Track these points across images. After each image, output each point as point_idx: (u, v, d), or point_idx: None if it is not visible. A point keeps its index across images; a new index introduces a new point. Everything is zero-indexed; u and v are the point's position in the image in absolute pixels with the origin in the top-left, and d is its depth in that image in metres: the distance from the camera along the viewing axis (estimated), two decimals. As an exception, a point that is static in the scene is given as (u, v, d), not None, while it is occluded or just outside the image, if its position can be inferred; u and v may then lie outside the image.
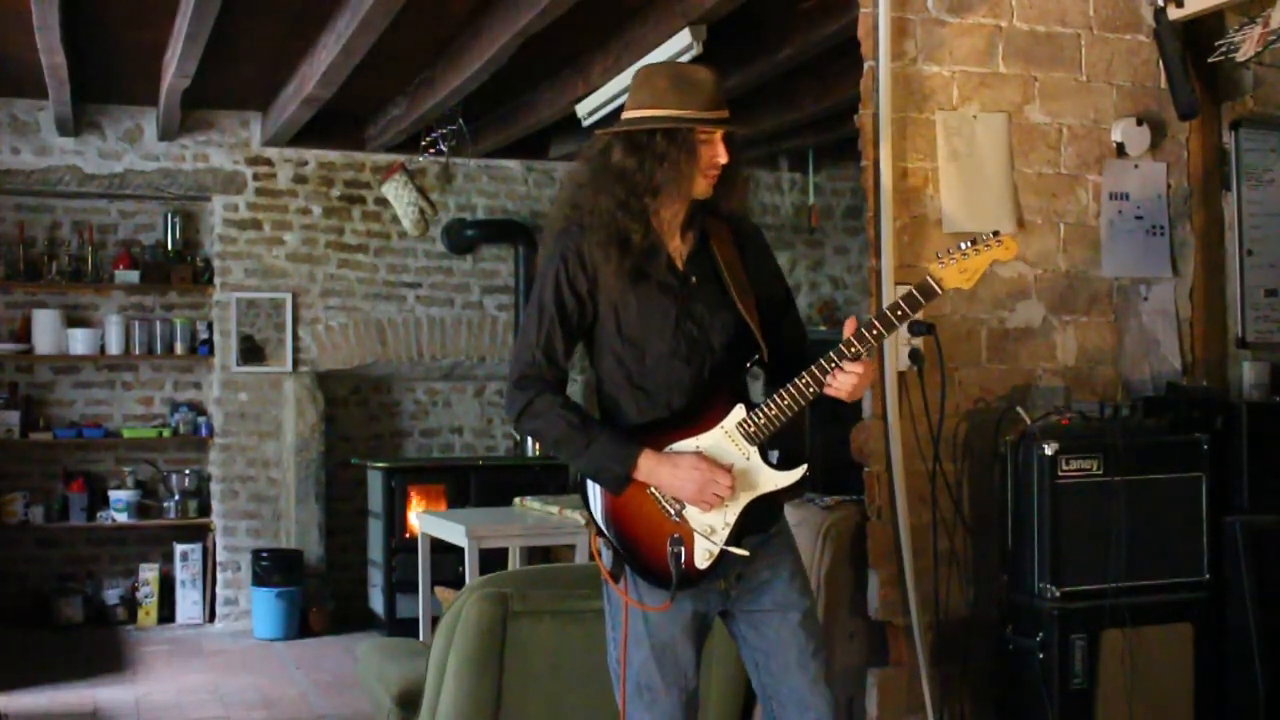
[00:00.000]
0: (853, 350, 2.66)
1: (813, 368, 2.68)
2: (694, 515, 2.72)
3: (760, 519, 2.77)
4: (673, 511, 2.73)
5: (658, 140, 2.69)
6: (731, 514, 2.73)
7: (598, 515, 2.78)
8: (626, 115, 2.77)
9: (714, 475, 2.68)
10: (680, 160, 2.69)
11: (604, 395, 2.85)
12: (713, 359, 2.78)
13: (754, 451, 2.74)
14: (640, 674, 2.77)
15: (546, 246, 2.85)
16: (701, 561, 2.72)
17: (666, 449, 2.73)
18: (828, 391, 2.70)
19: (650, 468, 2.70)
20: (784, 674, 2.77)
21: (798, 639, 2.77)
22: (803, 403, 2.70)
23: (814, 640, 2.80)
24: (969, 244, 2.71)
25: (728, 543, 2.72)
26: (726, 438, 2.73)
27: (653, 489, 2.73)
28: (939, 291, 2.69)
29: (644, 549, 2.74)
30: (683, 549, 2.71)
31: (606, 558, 2.78)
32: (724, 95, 2.76)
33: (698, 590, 2.77)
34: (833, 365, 2.67)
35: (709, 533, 2.72)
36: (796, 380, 2.69)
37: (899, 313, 2.67)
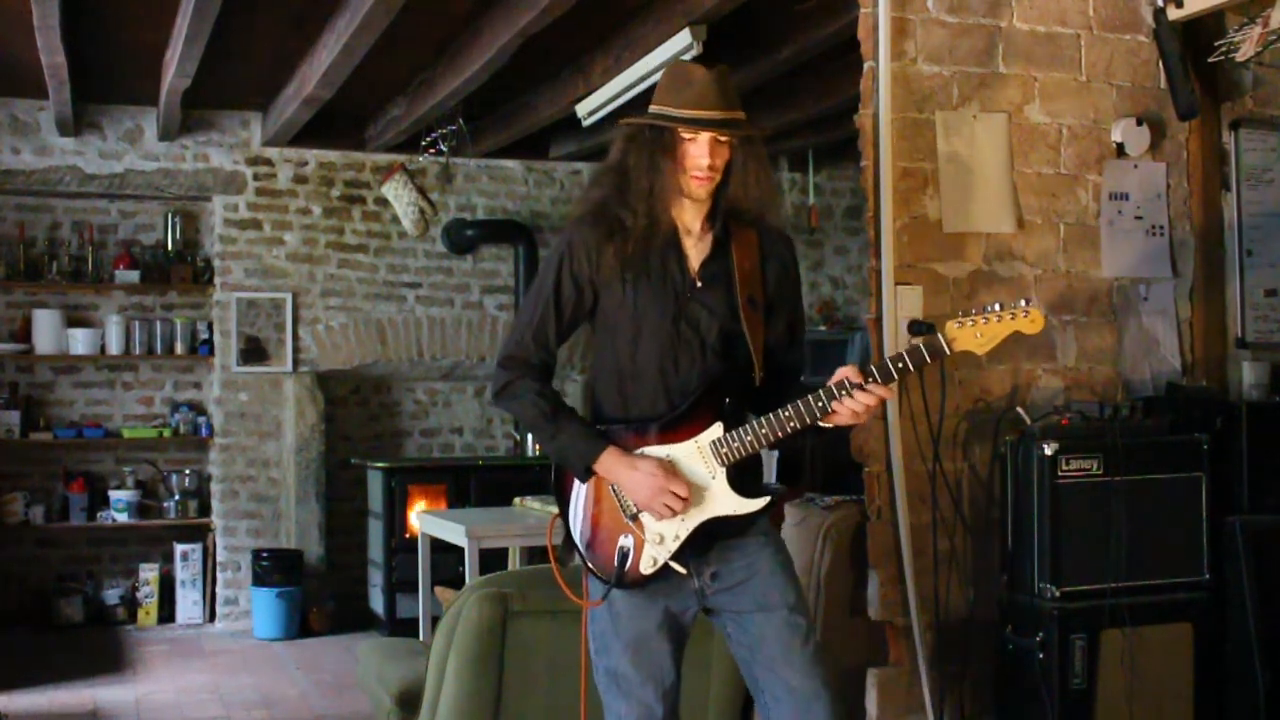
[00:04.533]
0: (843, 394, 2.64)
1: (799, 403, 2.66)
2: (649, 521, 2.73)
3: (727, 530, 2.75)
4: (628, 513, 2.74)
5: (645, 134, 2.73)
6: (684, 529, 2.72)
7: (563, 499, 2.82)
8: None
9: (669, 485, 2.67)
10: (658, 157, 2.70)
11: (595, 390, 2.87)
12: (704, 366, 2.75)
13: (721, 472, 2.71)
14: (617, 665, 2.78)
15: (560, 236, 2.89)
16: (645, 567, 2.73)
17: (638, 451, 2.73)
18: (827, 420, 2.68)
19: (610, 465, 2.71)
20: (772, 667, 2.76)
21: (781, 635, 2.75)
22: (780, 435, 2.67)
23: (799, 633, 2.76)
24: (995, 307, 2.65)
25: (674, 556, 2.72)
26: (697, 453, 2.72)
27: (614, 486, 2.74)
28: (947, 353, 2.65)
29: (596, 542, 2.77)
30: (630, 550, 2.72)
31: (558, 541, 2.83)
32: (725, 97, 2.72)
33: (663, 589, 2.76)
34: (819, 404, 2.65)
35: (658, 541, 2.72)
36: (780, 412, 2.67)
37: (899, 365, 2.64)
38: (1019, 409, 4.03)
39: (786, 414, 2.66)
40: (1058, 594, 3.79)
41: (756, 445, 2.69)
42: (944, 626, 3.99)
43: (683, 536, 2.71)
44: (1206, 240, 4.50)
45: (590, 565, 2.78)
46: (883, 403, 2.69)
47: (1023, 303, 2.66)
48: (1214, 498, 3.99)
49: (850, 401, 2.63)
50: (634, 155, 2.73)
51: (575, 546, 2.80)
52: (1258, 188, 4.58)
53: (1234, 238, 4.55)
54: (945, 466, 4.00)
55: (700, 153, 2.71)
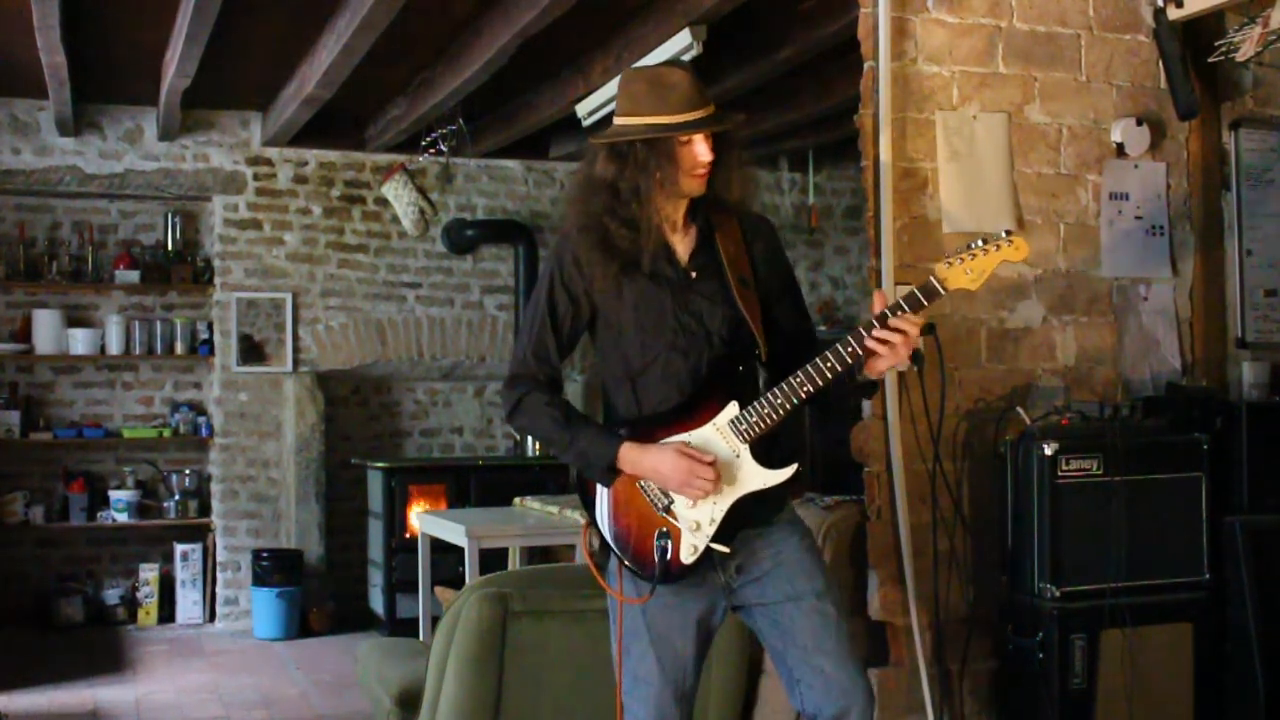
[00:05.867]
0: (849, 350, 2.67)
1: (807, 367, 2.69)
2: (681, 510, 2.74)
3: (757, 513, 2.77)
4: (660, 505, 2.75)
5: (637, 149, 2.73)
6: (719, 510, 2.74)
7: (592, 506, 2.83)
8: (615, 122, 2.81)
9: (697, 464, 2.69)
10: (661, 166, 2.73)
11: (606, 392, 2.89)
12: (710, 353, 2.79)
13: (744, 449, 2.74)
14: (638, 666, 2.79)
15: (550, 250, 2.90)
16: (686, 556, 2.74)
17: (658, 443, 2.74)
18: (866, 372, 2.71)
19: (633, 458, 2.73)
20: (806, 658, 2.77)
21: (811, 622, 2.77)
22: (795, 401, 2.70)
23: (830, 619, 2.78)
24: (979, 243, 2.69)
25: (714, 539, 2.73)
26: (717, 434, 2.74)
27: (642, 482, 2.75)
28: (942, 292, 2.68)
29: (632, 541, 2.77)
30: (669, 542, 2.73)
31: (595, 548, 2.83)
32: (703, 93, 2.75)
33: (695, 584, 2.77)
34: (828, 365, 2.67)
35: (694, 528, 2.73)
36: (790, 379, 2.69)
37: (899, 313, 2.67)
38: (1019, 409, 4.03)
39: (798, 379, 2.69)
40: (1058, 594, 3.79)
41: (775, 416, 2.71)
42: (944, 626, 3.99)
43: (718, 519, 2.73)
44: (1206, 240, 4.50)
45: (630, 566, 2.78)
46: (900, 345, 2.68)
47: (1004, 233, 2.70)
48: (1214, 498, 3.98)
49: (874, 343, 2.65)
50: (630, 170, 2.73)
51: (612, 551, 2.80)
52: (1258, 188, 4.59)
53: (1234, 238, 4.55)
54: (945, 466, 4.00)
55: (701, 152, 2.74)
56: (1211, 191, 4.52)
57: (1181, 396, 4.24)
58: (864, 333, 2.67)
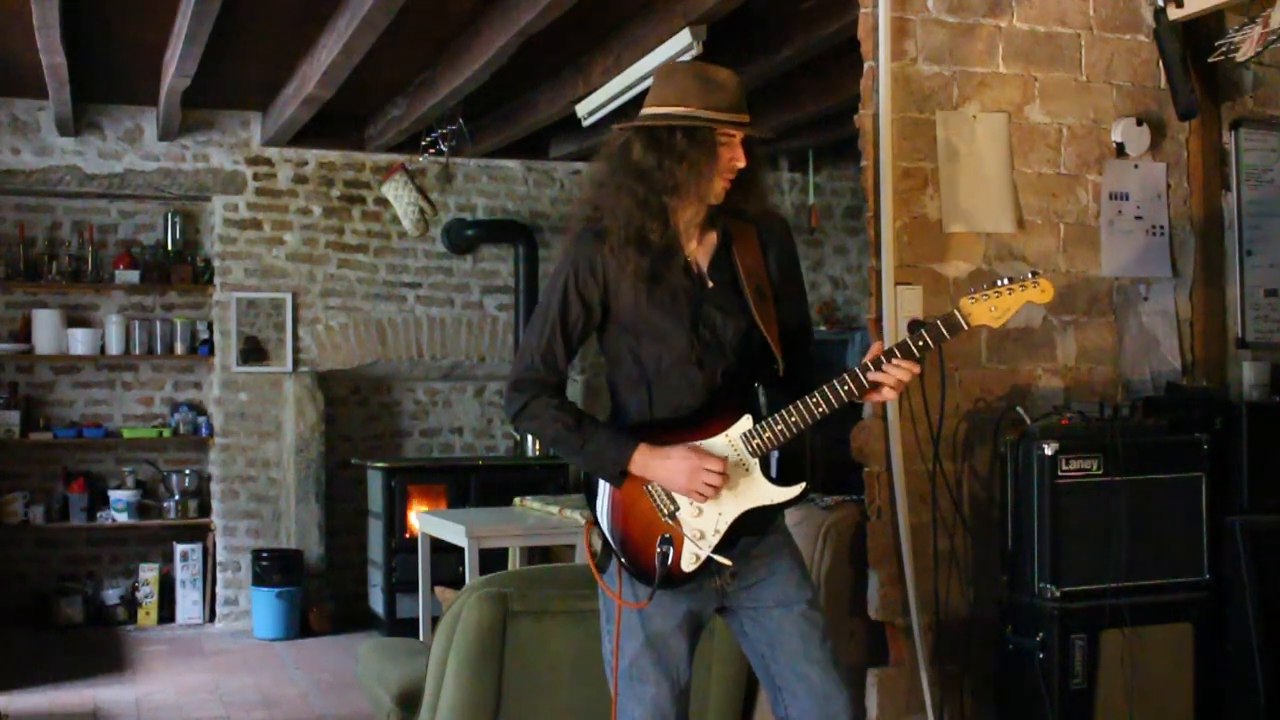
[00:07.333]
0: (868, 375, 2.66)
1: (825, 388, 2.67)
2: (686, 519, 2.73)
3: (755, 523, 2.77)
4: (666, 512, 2.74)
5: (678, 138, 2.68)
6: (723, 522, 2.73)
7: (597, 507, 2.81)
8: (646, 111, 2.76)
9: (704, 463, 2.68)
10: (700, 160, 2.68)
11: (616, 395, 2.86)
12: (725, 364, 2.77)
13: (755, 464, 2.73)
14: (633, 665, 2.79)
15: (563, 249, 2.86)
16: (687, 565, 2.74)
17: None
18: (861, 400, 2.71)
19: (644, 461, 2.72)
20: (792, 665, 2.77)
21: (800, 629, 2.78)
22: (810, 421, 2.69)
23: (818, 629, 2.79)
24: (1005, 281, 2.68)
25: (716, 550, 2.73)
26: (729, 446, 2.73)
27: (649, 487, 2.74)
28: (965, 328, 2.66)
29: (634, 545, 2.76)
30: (670, 549, 2.73)
31: (597, 548, 2.82)
32: (745, 99, 2.73)
33: (691, 589, 2.78)
34: (845, 388, 2.66)
35: (698, 538, 2.73)
36: (808, 399, 2.68)
37: (920, 344, 2.66)
38: (1019, 409, 4.03)
39: (814, 400, 2.67)
40: (1058, 594, 3.79)
41: (787, 434, 2.70)
42: (944, 626, 3.99)
43: (723, 530, 2.73)
44: (1206, 240, 4.50)
45: (631, 569, 2.77)
46: (912, 378, 2.69)
47: (1029, 274, 2.69)
48: (1214, 498, 3.98)
49: (881, 376, 2.66)
50: (669, 159, 2.68)
51: (613, 553, 2.79)
52: (1258, 188, 4.58)
53: (1234, 238, 4.55)
54: (945, 466, 4.00)
55: (737, 155, 2.72)
56: (1211, 191, 4.52)
57: (1181, 396, 4.25)
58: (884, 359, 2.66)
